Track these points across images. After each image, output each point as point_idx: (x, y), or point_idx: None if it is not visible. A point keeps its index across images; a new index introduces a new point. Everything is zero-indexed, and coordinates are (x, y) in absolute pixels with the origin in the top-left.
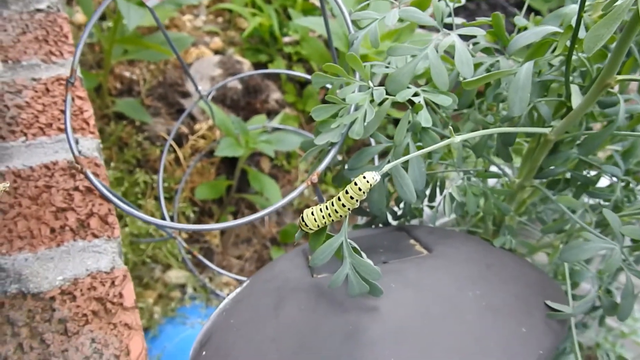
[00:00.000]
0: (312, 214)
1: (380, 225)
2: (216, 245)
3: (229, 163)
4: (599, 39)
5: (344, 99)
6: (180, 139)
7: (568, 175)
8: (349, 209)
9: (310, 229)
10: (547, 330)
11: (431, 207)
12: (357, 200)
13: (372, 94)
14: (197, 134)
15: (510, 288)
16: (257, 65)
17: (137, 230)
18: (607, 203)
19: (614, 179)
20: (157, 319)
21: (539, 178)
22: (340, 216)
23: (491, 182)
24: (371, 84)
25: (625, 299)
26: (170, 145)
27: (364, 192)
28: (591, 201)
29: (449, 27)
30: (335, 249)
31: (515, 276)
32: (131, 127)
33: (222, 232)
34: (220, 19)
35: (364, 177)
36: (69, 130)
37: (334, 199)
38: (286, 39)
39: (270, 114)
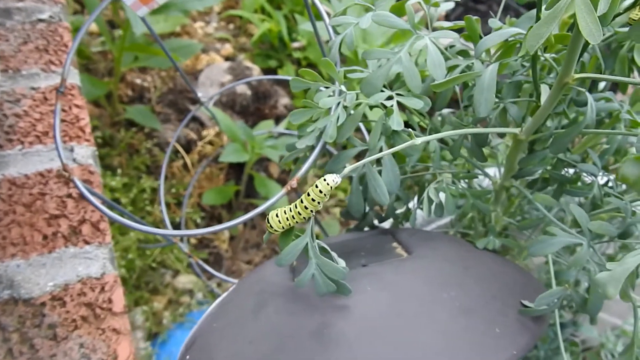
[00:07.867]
0: (277, 215)
1: (367, 228)
2: (225, 250)
3: (238, 168)
4: (540, 37)
5: (318, 103)
6: (188, 145)
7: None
8: (312, 210)
9: (275, 230)
10: (521, 329)
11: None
12: (319, 203)
13: (345, 98)
14: (204, 139)
15: (486, 288)
16: (266, 71)
17: (144, 236)
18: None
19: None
20: (166, 324)
21: (517, 178)
22: (304, 218)
23: (487, 182)
24: (344, 89)
25: (593, 295)
26: (179, 152)
27: (325, 195)
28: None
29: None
30: (300, 250)
31: (494, 277)
32: (141, 134)
33: (232, 237)
34: (231, 26)
35: (325, 180)
36: (58, 137)
37: (297, 201)
38: (295, 45)
39: (279, 119)
